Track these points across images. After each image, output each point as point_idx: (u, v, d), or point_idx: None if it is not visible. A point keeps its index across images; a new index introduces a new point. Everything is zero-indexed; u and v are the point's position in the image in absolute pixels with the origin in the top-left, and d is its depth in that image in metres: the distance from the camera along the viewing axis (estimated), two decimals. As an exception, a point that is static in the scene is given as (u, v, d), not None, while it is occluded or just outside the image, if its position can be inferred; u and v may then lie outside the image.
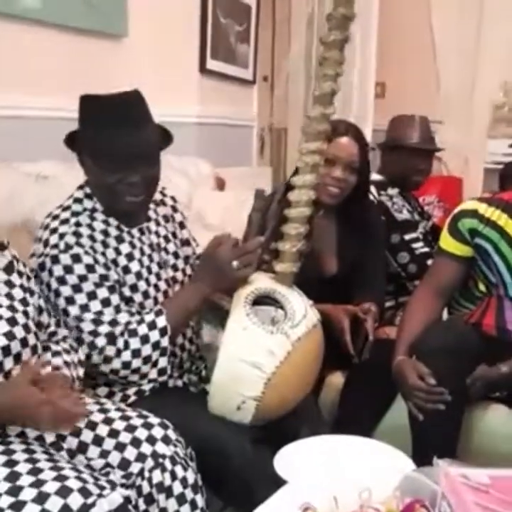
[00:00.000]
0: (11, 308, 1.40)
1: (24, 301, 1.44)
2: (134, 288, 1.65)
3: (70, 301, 1.56)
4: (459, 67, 4.44)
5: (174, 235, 1.82)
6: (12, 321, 1.38)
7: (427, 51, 4.54)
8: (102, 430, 1.41)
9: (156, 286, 1.70)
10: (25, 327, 1.40)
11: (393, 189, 2.60)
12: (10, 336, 1.36)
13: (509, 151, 1.96)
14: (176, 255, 1.79)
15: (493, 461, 1.63)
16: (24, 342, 1.38)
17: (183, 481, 1.39)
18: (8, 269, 1.45)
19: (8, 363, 1.35)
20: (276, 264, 1.75)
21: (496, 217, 1.98)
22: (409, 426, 1.89)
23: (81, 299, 1.56)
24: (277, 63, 4.11)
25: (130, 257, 1.66)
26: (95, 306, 1.56)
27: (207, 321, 1.90)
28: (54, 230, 1.60)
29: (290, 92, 4.10)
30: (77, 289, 1.56)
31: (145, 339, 1.56)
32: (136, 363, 1.56)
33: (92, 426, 1.42)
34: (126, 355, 1.56)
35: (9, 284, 1.44)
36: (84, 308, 1.56)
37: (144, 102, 1.62)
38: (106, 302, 1.57)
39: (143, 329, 1.57)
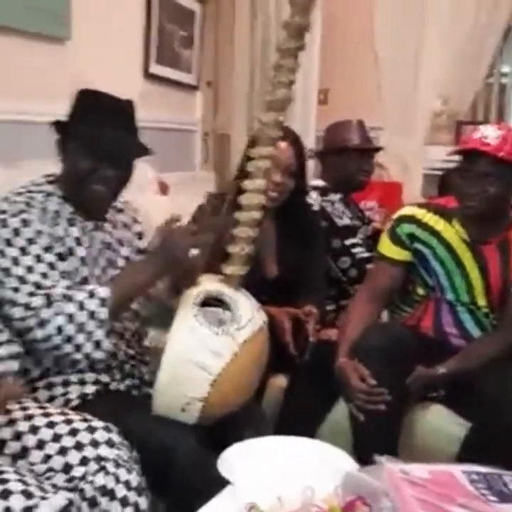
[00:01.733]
0: None
1: None
2: (76, 271, 1.65)
3: (16, 261, 1.55)
4: (400, 74, 4.51)
5: (130, 242, 1.84)
6: None
7: (370, 59, 4.61)
8: (45, 434, 1.40)
9: (98, 278, 1.70)
10: None
11: (335, 195, 2.65)
12: None
13: (447, 157, 2.03)
14: (127, 260, 1.80)
15: (434, 460, 1.66)
16: None
17: (127, 484, 1.38)
18: None
19: None
20: (225, 266, 1.76)
21: (433, 222, 2.05)
22: (351, 426, 1.93)
23: (28, 260, 1.55)
24: (221, 69, 4.12)
25: (78, 241, 1.67)
26: (40, 268, 1.56)
27: (154, 324, 1.89)
28: (6, 198, 1.63)
29: (234, 98, 4.11)
30: (24, 251, 1.56)
31: (81, 306, 1.53)
32: (70, 329, 1.52)
33: (34, 430, 1.40)
34: (60, 320, 1.52)
35: None
36: (29, 269, 1.55)
37: (135, 113, 1.72)
38: (52, 266, 1.57)
39: (81, 295, 1.55)
